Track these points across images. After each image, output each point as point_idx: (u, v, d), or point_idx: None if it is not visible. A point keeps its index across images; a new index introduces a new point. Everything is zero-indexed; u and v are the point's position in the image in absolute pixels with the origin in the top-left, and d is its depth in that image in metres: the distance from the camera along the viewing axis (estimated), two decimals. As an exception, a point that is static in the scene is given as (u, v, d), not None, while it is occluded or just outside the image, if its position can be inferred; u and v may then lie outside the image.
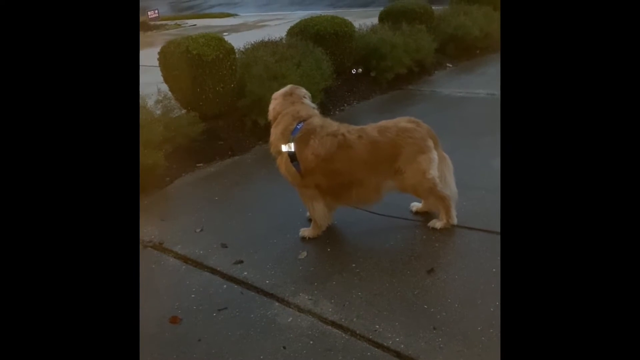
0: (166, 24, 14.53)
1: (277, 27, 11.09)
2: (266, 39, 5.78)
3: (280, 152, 3.03)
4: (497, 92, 5.68)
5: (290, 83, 3.43)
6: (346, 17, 6.41)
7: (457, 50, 7.46)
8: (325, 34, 5.89)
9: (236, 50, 5.13)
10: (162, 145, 4.13)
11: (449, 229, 3.08)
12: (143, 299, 1.80)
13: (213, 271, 2.92)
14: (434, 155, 2.95)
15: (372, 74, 6.34)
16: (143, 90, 4.04)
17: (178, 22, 15.01)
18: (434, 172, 2.95)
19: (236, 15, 16.21)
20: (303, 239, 3.15)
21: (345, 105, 5.92)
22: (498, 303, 2.37)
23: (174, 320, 2.53)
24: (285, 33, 6.24)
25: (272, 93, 3.25)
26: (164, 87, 4.92)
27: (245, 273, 2.86)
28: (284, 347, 2.29)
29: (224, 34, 9.94)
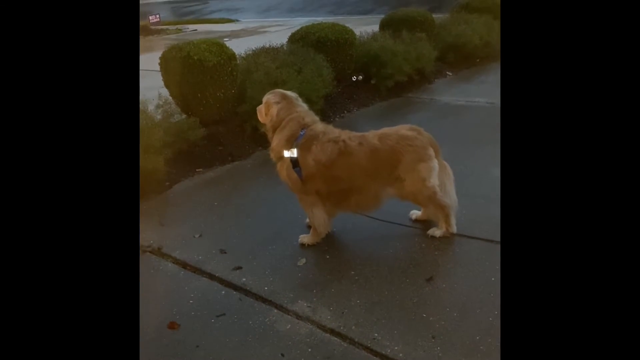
0: (167, 29, 14.59)
1: (277, 33, 11.14)
2: (267, 45, 5.80)
3: (282, 157, 3.02)
4: (496, 100, 5.70)
5: (291, 89, 3.42)
6: (347, 25, 6.44)
7: (457, 58, 7.49)
8: (326, 41, 5.91)
9: (237, 56, 5.14)
10: (162, 150, 4.12)
11: (448, 238, 3.08)
12: (141, 304, 1.79)
13: (212, 277, 2.91)
14: (435, 163, 2.95)
15: (373, 81, 6.36)
16: (144, 94, 4.05)
17: (179, 27, 15.08)
18: (434, 181, 2.94)
19: (237, 20, 16.29)
20: (302, 245, 3.14)
21: (346, 112, 5.93)
22: (497, 312, 2.36)
23: (172, 325, 2.52)
24: (285, 39, 6.26)
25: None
26: (165, 92, 4.92)
27: (244, 279, 2.86)
28: (282, 355, 2.28)
29: (225, 39, 9.97)
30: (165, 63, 4.91)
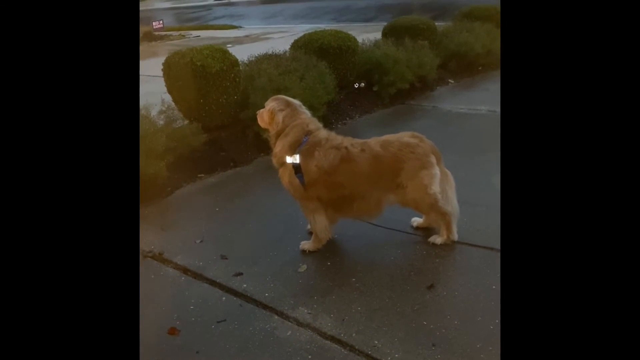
0: (170, 35, 14.64)
1: (280, 40, 11.17)
2: (270, 52, 5.83)
3: (284, 163, 3.03)
4: (498, 108, 5.70)
5: (294, 96, 3.43)
6: (350, 32, 6.46)
7: (459, 66, 7.50)
8: (328, 48, 5.93)
9: (240, 63, 5.17)
10: (164, 155, 4.14)
11: (449, 245, 3.08)
12: (142, 309, 1.79)
13: (212, 283, 2.91)
14: (436, 171, 2.95)
15: (375, 88, 6.37)
16: (147, 100, 4.07)
17: (182, 33, 15.13)
18: (435, 188, 2.95)
19: (240, 27, 16.34)
20: (303, 252, 3.14)
21: (348, 119, 5.95)
22: (498, 320, 2.36)
23: (173, 331, 2.52)
24: (288, 46, 6.28)
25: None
26: (168, 97, 4.94)
27: (245, 285, 2.86)
28: (283, 361, 2.27)
29: (228, 45, 10.01)
30: (168, 69, 4.93)
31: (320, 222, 3.08)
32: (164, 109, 4.64)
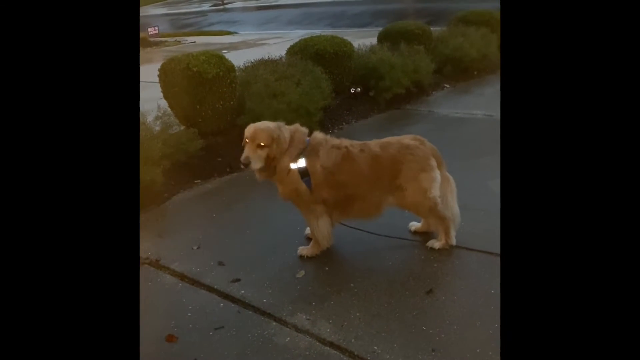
0: (166, 41, 14.64)
1: (276, 45, 11.19)
2: (266, 58, 5.83)
3: (289, 171, 2.94)
4: (494, 113, 5.72)
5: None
6: (345, 37, 6.48)
7: (454, 71, 7.53)
8: (324, 54, 5.94)
9: (236, 68, 5.16)
10: (161, 161, 4.12)
11: (447, 250, 3.07)
12: (139, 316, 1.77)
13: (210, 289, 2.90)
14: (436, 174, 2.95)
15: (371, 93, 6.39)
16: (143, 106, 4.04)
17: (178, 39, 15.13)
18: (435, 192, 2.94)
19: (236, 33, 16.36)
20: (301, 257, 3.13)
21: (344, 124, 5.95)
22: (497, 325, 2.35)
23: (170, 338, 2.50)
24: (284, 52, 6.29)
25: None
26: (164, 104, 4.93)
27: (243, 292, 2.84)
28: (281, 368, 2.26)
29: (224, 51, 10.02)
30: (164, 75, 4.93)
31: (323, 228, 3.06)
32: (160, 115, 4.63)
